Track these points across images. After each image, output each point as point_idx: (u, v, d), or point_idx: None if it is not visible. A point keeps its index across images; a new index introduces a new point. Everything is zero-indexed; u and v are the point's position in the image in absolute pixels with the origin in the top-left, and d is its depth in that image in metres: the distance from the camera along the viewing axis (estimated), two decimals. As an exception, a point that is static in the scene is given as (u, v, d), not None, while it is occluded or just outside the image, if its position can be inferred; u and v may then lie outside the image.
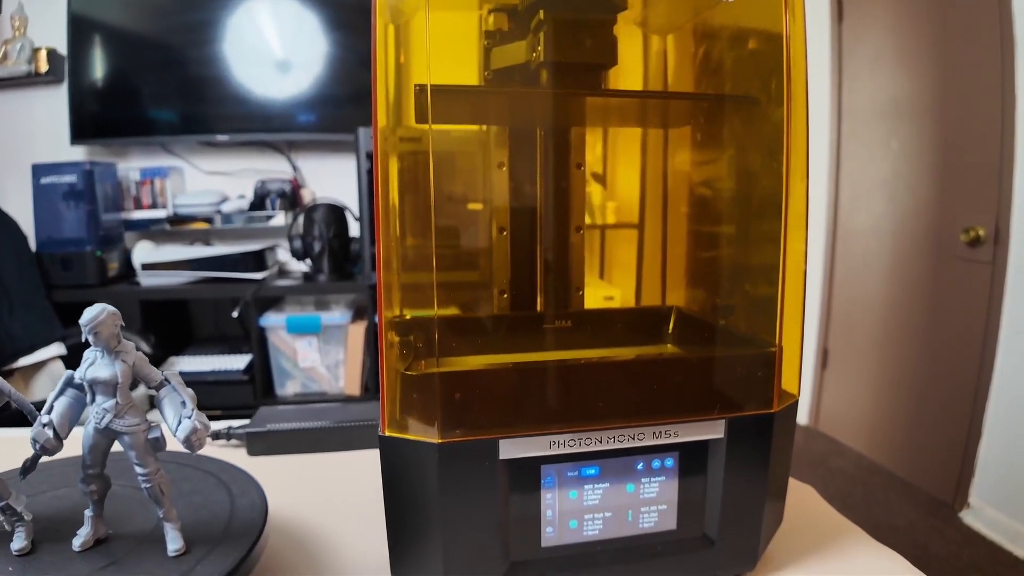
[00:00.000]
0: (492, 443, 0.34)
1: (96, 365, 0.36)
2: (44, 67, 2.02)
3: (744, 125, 0.44)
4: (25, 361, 1.69)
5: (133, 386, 0.37)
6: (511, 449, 0.35)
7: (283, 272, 2.11)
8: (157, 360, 1.83)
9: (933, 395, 2.02)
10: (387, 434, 0.35)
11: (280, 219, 2.03)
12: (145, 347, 1.72)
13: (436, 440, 0.34)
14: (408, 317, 0.39)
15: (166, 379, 0.37)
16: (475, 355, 0.43)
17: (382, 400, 0.35)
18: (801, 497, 0.57)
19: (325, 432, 0.62)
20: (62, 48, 2.01)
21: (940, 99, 1.97)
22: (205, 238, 2.17)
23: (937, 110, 1.98)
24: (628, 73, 0.49)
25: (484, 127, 0.51)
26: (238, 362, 1.86)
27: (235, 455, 0.62)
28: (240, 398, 1.81)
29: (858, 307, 2.36)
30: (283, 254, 2.13)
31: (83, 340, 0.35)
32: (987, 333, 1.79)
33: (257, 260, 1.91)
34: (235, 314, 1.78)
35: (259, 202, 2.04)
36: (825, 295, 2.51)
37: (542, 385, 0.36)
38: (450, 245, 0.50)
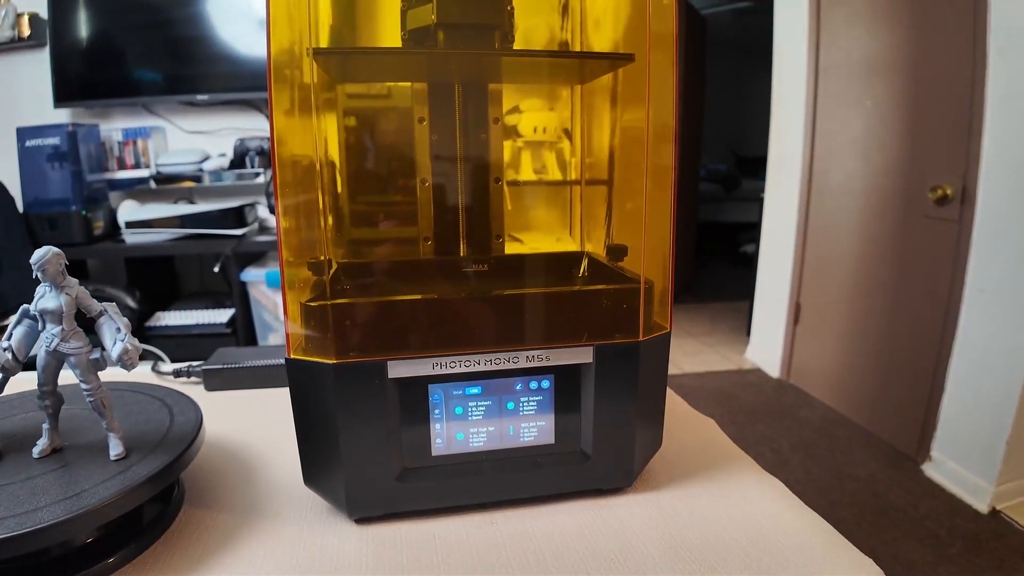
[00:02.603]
0: (381, 364, 0.40)
1: (45, 298, 0.41)
2: (26, 31, 2.03)
3: (626, 81, 0.48)
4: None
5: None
6: (399, 369, 0.40)
7: (263, 228, 2.15)
8: (144, 315, 1.89)
9: (899, 350, 2.08)
10: (292, 356, 0.41)
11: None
12: (131, 303, 1.78)
13: (332, 361, 0.39)
14: (322, 258, 0.44)
15: (104, 309, 0.42)
16: (390, 295, 0.48)
17: (286, 327, 0.40)
18: (700, 428, 0.62)
19: (273, 369, 0.68)
20: (44, 12, 2.02)
21: (913, 58, 1.98)
22: (188, 196, 2.21)
23: (909, 69, 1.99)
24: (532, 32, 0.53)
25: (407, 85, 0.55)
26: (221, 316, 1.92)
27: (194, 391, 0.68)
28: (225, 351, 1.87)
29: (830, 263, 2.41)
30: (263, 210, 2.17)
31: (34, 276, 0.41)
32: (952, 290, 1.83)
33: (237, 216, 1.95)
34: (216, 268, 1.83)
35: (239, 160, 2.07)
36: (798, 252, 2.56)
37: (423, 315, 0.41)
38: (372, 195, 0.55)
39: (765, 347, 2.82)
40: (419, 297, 0.41)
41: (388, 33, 0.53)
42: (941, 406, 1.88)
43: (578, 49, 0.54)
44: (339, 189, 0.53)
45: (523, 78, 0.55)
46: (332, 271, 0.44)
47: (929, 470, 1.92)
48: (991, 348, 1.71)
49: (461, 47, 0.46)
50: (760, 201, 2.85)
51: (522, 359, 0.42)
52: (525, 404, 0.44)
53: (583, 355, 0.43)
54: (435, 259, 0.55)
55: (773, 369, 2.74)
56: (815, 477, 1.93)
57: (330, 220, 0.40)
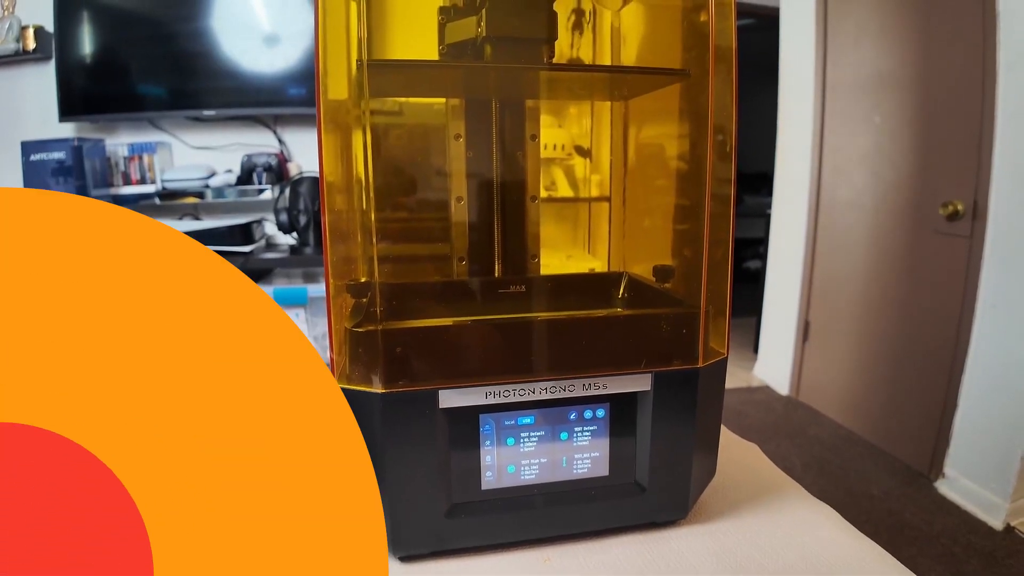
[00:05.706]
0: (432, 393, 0.38)
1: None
2: (32, 44, 2.01)
3: (680, 99, 0.46)
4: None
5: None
6: (450, 399, 0.38)
7: (270, 245, 2.13)
8: (148, 333, 1.86)
9: (911, 367, 2.06)
10: (336, 385, 0.38)
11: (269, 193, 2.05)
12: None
13: (380, 390, 0.37)
14: (362, 280, 0.41)
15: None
16: (429, 318, 0.46)
17: (331, 354, 0.38)
18: (744, 454, 0.60)
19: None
20: (49, 25, 2.01)
21: (922, 73, 1.98)
22: (194, 212, 2.19)
23: (919, 85, 1.99)
24: (576, 47, 0.52)
25: (443, 100, 0.53)
26: (228, 334, 1.89)
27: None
28: (230, 370, 1.84)
29: (839, 280, 2.40)
30: (270, 227, 2.15)
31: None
32: (964, 306, 1.82)
33: (244, 233, 1.93)
34: (224, 287, 1.80)
35: (246, 176, 2.05)
36: (807, 269, 2.54)
37: (478, 341, 0.39)
38: (407, 213, 0.53)
39: (773, 364, 2.79)
40: (479, 321, 0.39)
41: (412, 47, 0.51)
42: (954, 423, 1.85)
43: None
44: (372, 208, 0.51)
45: (568, 94, 0.53)
46: (370, 294, 0.42)
47: (943, 487, 1.89)
48: (1004, 364, 1.69)
49: (509, 61, 0.45)
50: (762, 217, 2.84)
51: (578, 387, 0.40)
52: (579, 434, 0.42)
53: (641, 382, 0.41)
54: (472, 280, 0.53)
55: (782, 387, 2.71)
56: (828, 495, 1.89)
57: (374, 240, 0.38)
